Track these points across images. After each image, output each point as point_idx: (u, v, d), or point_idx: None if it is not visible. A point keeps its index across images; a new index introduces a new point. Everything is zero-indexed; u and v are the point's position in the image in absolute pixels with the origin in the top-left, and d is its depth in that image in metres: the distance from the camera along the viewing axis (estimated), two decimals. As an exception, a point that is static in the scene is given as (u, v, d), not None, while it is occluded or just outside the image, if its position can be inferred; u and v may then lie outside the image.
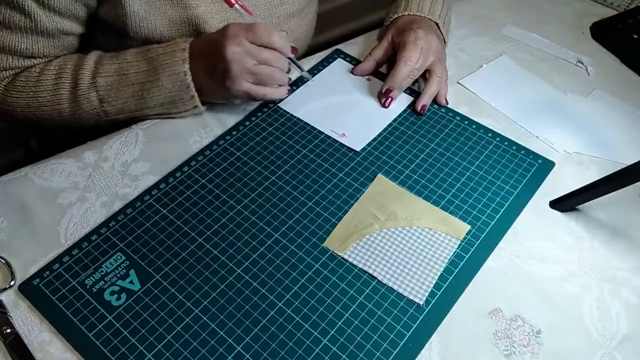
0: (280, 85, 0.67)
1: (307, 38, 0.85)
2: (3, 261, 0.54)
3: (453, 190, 0.63)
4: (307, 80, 0.75)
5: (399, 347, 0.50)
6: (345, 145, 0.68)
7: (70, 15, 0.64)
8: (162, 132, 0.68)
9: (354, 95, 0.75)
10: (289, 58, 0.67)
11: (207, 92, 0.66)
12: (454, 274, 0.56)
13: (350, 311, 0.53)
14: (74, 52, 0.70)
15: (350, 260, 0.56)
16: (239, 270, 0.55)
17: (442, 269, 0.56)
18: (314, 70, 0.78)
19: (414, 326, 0.52)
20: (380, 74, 0.77)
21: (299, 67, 0.71)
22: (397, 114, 0.72)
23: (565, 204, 0.62)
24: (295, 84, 0.75)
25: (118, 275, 0.54)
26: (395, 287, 0.54)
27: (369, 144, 0.68)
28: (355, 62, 0.79)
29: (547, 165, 0.67)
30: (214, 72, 0.63)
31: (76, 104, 0.65)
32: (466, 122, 0.72)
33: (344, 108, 0.72)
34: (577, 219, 0.62)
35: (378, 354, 0.50)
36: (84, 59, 0.66)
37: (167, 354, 0.49)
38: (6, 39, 0.63)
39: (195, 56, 0.64)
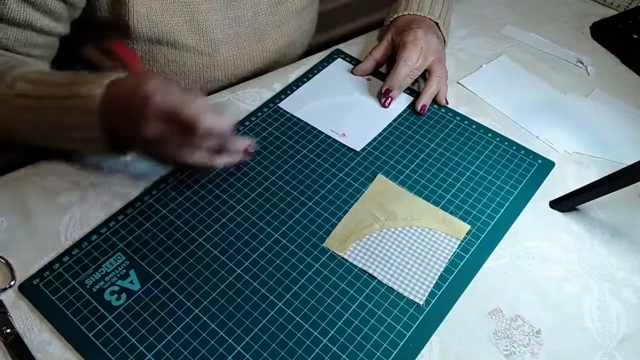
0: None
1: (308, 36, 0.85)
2: (3, 261, 0.54)
3: (453, 190, 0.63)
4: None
5: (399, 347, 0.50)
6: (345, 145, 0.68)
7: (46, 11, 0.58)
8: (162, 132, 0.68)
9: (354, 95, 0.75)
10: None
11: (122, 137, 0.56)
12: (454, 274, 0.56)
13: (350, 311, 0.53)
14: (39, 53, 0.63)
15: (350, 260, 0.56)
16: (239, 270, 0.55)
17: (442, 269, 0.56)
18: (314, 70, 0.78)
19: (414, 326, 0.52)
20: (380, 74, 0.77)
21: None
22: (397, 114, 0.72)
23: (565, 204, 0.62)
24: (296, 84, 0.75)
25: (118, 275, 0.54)
26: (395, 287, 0.54)
27: (369, 144, 0.68)
28: (355, 62, 0.79)
29: (547, 165, 0.67)
30: (131, 131, 0.53)
31: None
32: (466, 122, 0.72)
33: (344, 108, 0.72)
34: (577, 219, 0.62)
35: (378, 354, 0.50)
36: (28, 62, 0.60)
37: (167, 354, 0.49)
38: None
39: (116, 98, 0.54)
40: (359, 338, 0.51)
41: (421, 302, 0.53)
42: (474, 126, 0.71)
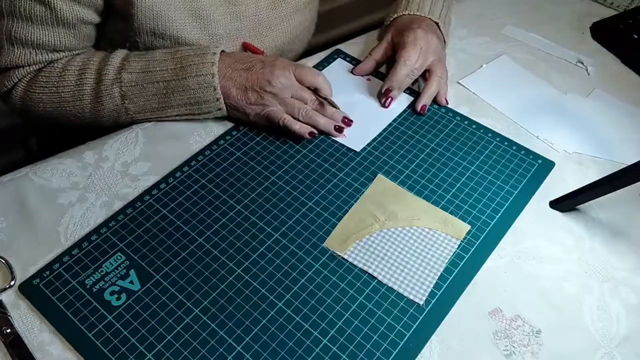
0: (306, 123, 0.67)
1: (308, 34, 0.85)
2: (3, 261, 0.54)
3: (453, 190, 0.63)
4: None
5: (399, 347, 0.50)
6: (345, 146, 0.68)
7: (89, 4, 0.64)
8: (162, 132, 0.68)
9: (354, 95, 0.75)
10: (326, 99, 0.68)
11: (232, 102, 0.66)
12: (454, 274, 0.56)
13: (350, 311, 0.53)
14: (92, 43, 0.70)
15: (350, 260, 0.56)
16: (239, 270, 0.55)
17: (442, 269, 0.56)
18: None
19: (414, 326, 0.52)
20: (380, 74, 0.77)
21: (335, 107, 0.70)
22: (397, 114, 0.72)
23: (565, 204, 0.62)
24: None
25: (118, 275, 0.54)
26: (395, 287, 0.54)
27: (369, 144, 0.68)
28: (355, 62, 0.79)
29: (547, 165, 0.67)
30: (248, 88, 0.65)
31: (98, 100, 0.65)
32: (466, 122, 0.72)
33: (344, 108, 0.72)
34: (577, 219, 0.62)
35: (378, 354, 0.50)
36: (111, 55, 0.66)
37: (167, 354, 0.49)
38: (28, 32, 0.62)
39: (231, 66, 0.65)
40: (359, 338, 0.51)
41: (421, 302, 0.53)
42: (474, 126, 0.71)
